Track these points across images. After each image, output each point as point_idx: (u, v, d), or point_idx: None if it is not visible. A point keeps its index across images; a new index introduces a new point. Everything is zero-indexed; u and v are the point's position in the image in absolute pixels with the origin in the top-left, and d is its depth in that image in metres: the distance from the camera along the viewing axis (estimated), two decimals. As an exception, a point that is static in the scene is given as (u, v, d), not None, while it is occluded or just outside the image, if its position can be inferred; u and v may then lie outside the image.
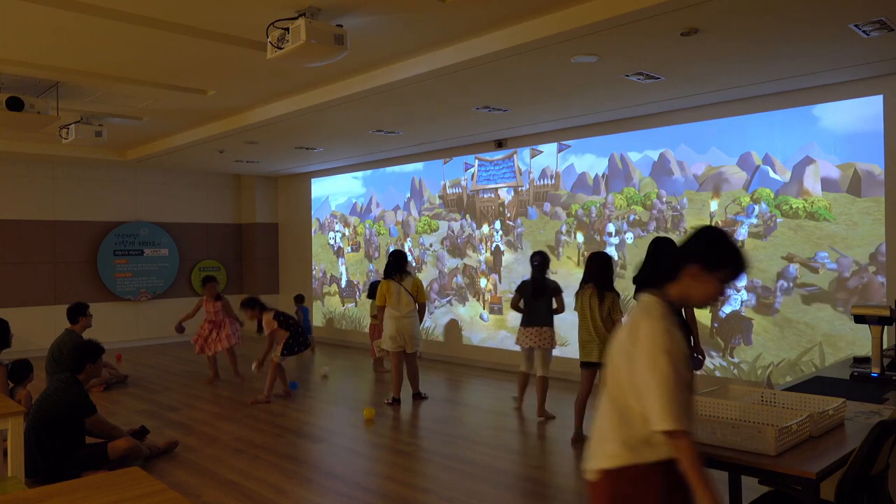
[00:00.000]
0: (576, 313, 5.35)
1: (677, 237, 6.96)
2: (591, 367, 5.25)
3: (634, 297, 4.80)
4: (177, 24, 4.64)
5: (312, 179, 11.82)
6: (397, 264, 6.74)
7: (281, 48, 4.26)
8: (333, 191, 11.45)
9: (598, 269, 5.21)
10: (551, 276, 6.39)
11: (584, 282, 5.31)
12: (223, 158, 10.06)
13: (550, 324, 6.09)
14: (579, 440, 5.37)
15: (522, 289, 6.14)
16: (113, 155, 10.12)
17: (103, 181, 10.94)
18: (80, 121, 7.38)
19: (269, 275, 12.41)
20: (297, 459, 5.11)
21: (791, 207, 6.21)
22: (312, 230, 11.86)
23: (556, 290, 6.11)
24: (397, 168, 10.23)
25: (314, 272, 11.74)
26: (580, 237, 7.90)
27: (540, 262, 6.09)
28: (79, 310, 6.76)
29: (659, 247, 4.77)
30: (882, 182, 5.69)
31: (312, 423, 6.20)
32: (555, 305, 6.11)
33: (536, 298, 6.06)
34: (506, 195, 8.73)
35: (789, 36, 4.62)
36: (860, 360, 3.80)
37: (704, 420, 2.41)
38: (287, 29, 4.24)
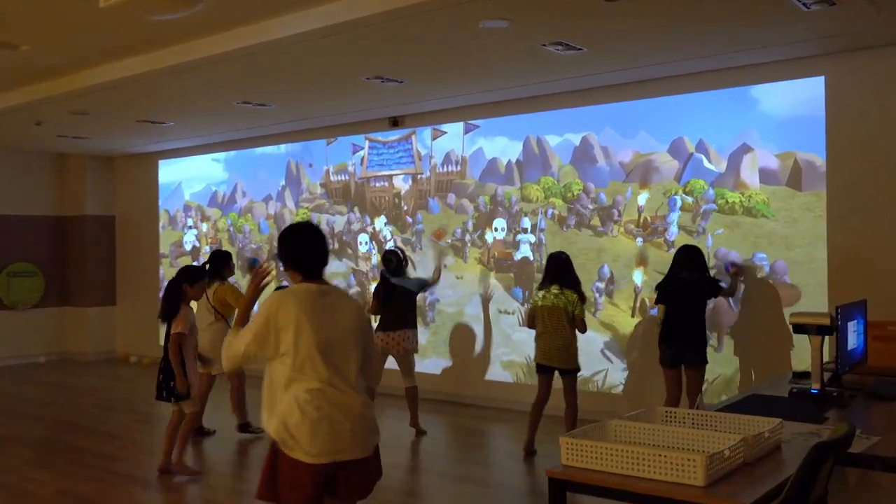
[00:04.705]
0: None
1: (605, 237, 7.22)
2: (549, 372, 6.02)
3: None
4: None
5: (160, 161, 11.47)
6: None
7: (118, -6, 4.09)
8: (187, 176, 11.14)
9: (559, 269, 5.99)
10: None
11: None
12: (41, 132, 9.58)
13: (412, 325, 6.78)
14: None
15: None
16: None
17: None
18: None
19: (104, 281, 11.93)
20: (139, 514, 4.92)
21: (727, 202, 6.58)
22: (160, 225, 11.48)
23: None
24: (269, 149, 10.06)
25: (162, 277, 11.34)
26: (490, 236, 8.04)
27: (397, 261, 6.77)
28: None
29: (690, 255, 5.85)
30: (824, 173, 6.13)
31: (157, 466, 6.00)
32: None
33: (393, 299, 6.68)
34: (402, 184, 8.77)
35: (725, 4, 4.89)
36: (799, 375, 4.08)
37: (627, 447, 2.51)
38: (126, -29, 4.07)
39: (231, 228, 10.50)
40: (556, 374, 5.98)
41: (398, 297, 6.64)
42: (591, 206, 7.33)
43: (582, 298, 5.93)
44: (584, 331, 5.95)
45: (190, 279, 5.65)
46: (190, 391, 5.56)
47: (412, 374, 6.81)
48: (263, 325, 2.95)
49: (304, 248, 3.12)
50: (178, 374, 5.47)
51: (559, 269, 5.97)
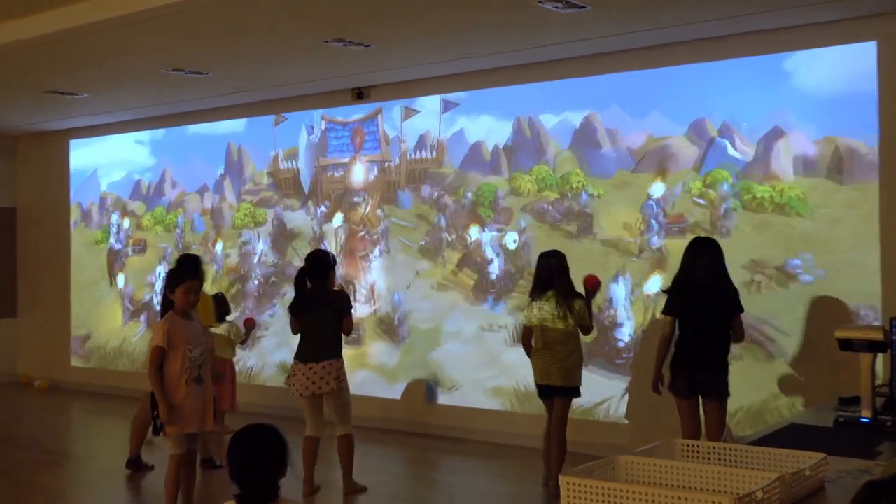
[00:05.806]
0: None
1: (600, 240, 7.23)
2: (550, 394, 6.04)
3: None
4: None
5: (72, 141, 11.47)
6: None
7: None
8: (105, 160, 11.15)
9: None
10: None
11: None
12: (-76, 105, 9.55)
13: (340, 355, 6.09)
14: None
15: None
16: None
17: None
18: None
19: (2, 288, 11.89)
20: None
21: (755, 197, 6.59)
22: (72, 220, 11.45)
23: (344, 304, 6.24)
24: (204, 128, 10.05)
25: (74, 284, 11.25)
26: (474, 234, 8.02)
27: (314, 266, 6.13)
28: None
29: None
30: (872, 163, 6.14)
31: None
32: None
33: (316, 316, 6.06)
34: (367, 173, 8.73)
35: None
36: (847, 402, 4.08)
37: (640, 488, 2.48)
38: None
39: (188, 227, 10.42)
40: None
41: (323, 313, 6.02)
42: (586, 200, 7.34)
43: (585, 301, 6.07)
44: (589, 331, 6.19)
45: (168, 284, 5.25)
46: (170, 428, 5.04)
47: (349, 418, 6.07)
48: None
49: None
50: (158, 398, 5.00)
51: (555, 273, 6.00)
